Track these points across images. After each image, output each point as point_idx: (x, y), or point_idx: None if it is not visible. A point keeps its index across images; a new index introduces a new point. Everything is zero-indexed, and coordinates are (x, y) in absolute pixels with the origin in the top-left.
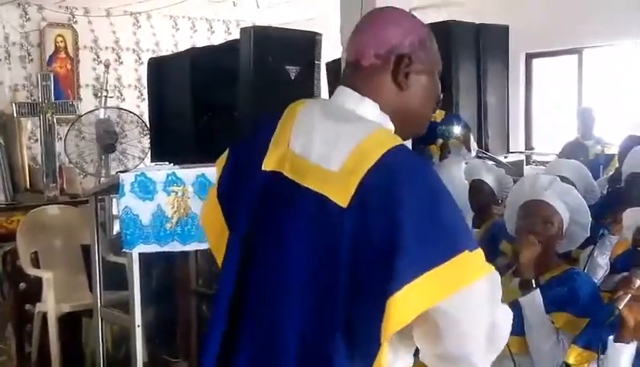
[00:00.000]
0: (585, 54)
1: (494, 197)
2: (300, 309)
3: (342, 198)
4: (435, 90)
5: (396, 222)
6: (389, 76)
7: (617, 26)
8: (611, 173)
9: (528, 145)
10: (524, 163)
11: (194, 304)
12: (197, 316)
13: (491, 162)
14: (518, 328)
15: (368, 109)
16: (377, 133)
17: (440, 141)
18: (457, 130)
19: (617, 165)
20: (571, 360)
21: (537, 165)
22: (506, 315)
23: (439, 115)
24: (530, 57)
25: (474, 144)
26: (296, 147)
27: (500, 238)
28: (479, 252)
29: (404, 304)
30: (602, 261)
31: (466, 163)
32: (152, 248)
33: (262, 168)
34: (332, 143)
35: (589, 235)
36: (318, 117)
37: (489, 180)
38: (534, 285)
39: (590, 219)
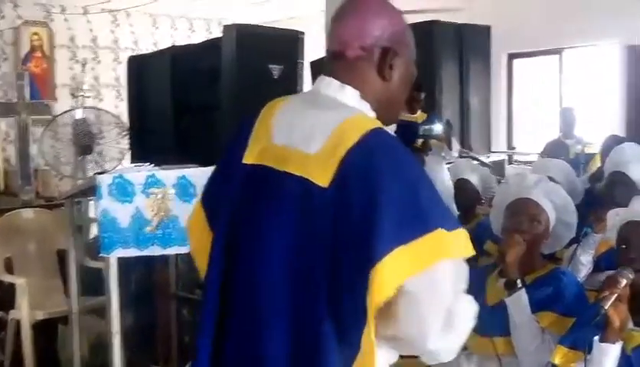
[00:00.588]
0: (565, 55)
1: (479, 196)
2: (288, 295)
3: (323, 178)
4: (412, 78)
5: (374, 201)
6: (373, 67)
7: (596, 27)
8: (591, 172)
9: (510, 145)
10: (506, 162)
11: (174, 309)
12: (177, 320)
13: (474, 162)
14: (504, 328)
15: (348, 96)
16: (356, 116)
17: (420, 140)
18: (438, 129)
19: (598, 164)
20: (557, 360)
21: (518, 165)
22: (467, 305)
23: (421, 117)
24: (511, 58)
25: (456, 144)
26: (278, 139)
27: (484, 239)
28: (458, 233)
29: (380, 280)
30: (586, 260)
31: (448, 163)
32: (131, 252)
33: (243, 162)
34: (312, 128)
35: (574, 235)
36: (299, 108)
37: (474, 179)
38: (520, 285)
39: (576, 219)
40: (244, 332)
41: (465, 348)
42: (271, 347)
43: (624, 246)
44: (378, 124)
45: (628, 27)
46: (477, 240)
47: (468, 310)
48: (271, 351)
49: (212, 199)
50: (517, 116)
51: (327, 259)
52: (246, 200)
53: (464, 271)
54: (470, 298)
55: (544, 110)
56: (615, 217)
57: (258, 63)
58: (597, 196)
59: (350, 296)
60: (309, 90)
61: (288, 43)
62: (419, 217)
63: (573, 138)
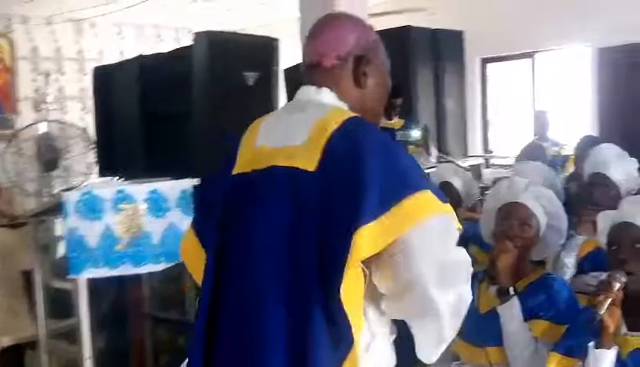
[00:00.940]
0: (537, 58)
1: (460, 200)
2: (284, 290)
3: (310, 164)
4: (387, 87)
5: (358, 174)
6: (348, 75)
7: (568, 30)
8: (568, 173)
9: (486, 148)
10: (484, 166)
11: (149, 329)
12: (152, 341)
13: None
14: (497, 337)
15: (325, 96)
16: (336, 109)
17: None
18: (415, 134)
19: (573, 165)
20: None
21: (495, 168)
22: (460, 254)
23: (398, 123)
24: (485, 62)
25: (434, 149)
26: (263, 143)
27: (468, 243)
28: (447, 204)
29: (360, 241)
30: (569, 262)
31: (426, 168)
32: (102, 272)
33: (232, 173)
34: (295, 126)
35: (564, 241)
36: (281, 116)
37: (457, 183)
38: (512, 292)
39: (567, 223)
40: (238, 336)
41: (457, 358)
42: (267, 337)
43: (614, 247)
44: (356, 115)
45: (600, 30)
46: (460, 244)
47: (461, 259)
48: (269, 344)
49: (201, 217)
50: (492, 120)
51: (317, 246)
52: (235, 208)
53: (453, 225)
54: (462, 249)
55: (519, 113)
56: (606, 219)
57: (231, 71)
58: (574, 197)
59: (333, 256)
60: (290, 102)
61: (263, 50)
62: (403, 182)
63: (548, 140)
